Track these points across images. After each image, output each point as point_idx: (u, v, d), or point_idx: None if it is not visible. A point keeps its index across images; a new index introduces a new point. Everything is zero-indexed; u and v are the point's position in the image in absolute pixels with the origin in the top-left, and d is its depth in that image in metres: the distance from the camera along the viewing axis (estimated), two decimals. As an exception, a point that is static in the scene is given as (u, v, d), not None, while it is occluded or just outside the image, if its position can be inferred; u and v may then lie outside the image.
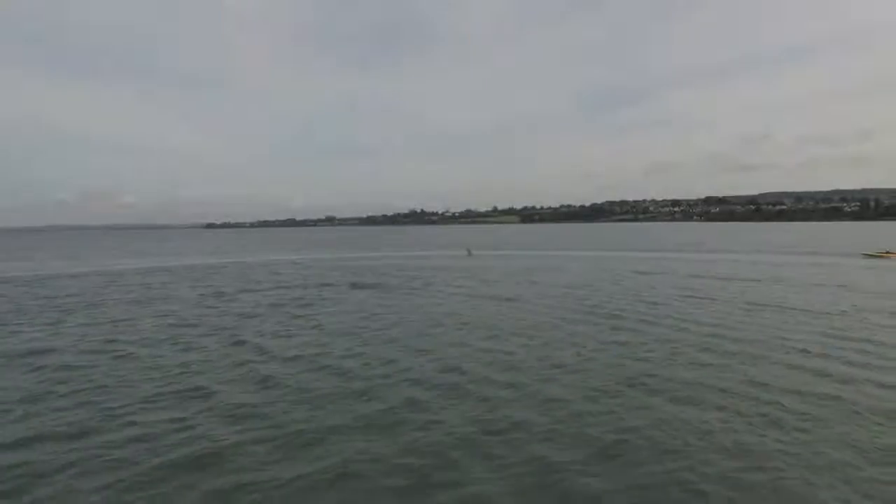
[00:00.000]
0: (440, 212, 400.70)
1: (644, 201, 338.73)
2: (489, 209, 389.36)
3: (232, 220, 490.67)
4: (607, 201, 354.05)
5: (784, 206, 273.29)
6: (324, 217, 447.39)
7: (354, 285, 25.47)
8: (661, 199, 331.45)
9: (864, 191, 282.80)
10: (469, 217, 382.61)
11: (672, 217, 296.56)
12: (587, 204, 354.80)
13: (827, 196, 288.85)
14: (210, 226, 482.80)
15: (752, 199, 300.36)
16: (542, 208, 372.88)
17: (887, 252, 41.51)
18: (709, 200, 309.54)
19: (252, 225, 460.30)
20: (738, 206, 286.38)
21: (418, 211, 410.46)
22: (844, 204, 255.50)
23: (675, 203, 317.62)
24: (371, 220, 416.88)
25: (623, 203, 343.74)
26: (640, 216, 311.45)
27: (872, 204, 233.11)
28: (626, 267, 33.77)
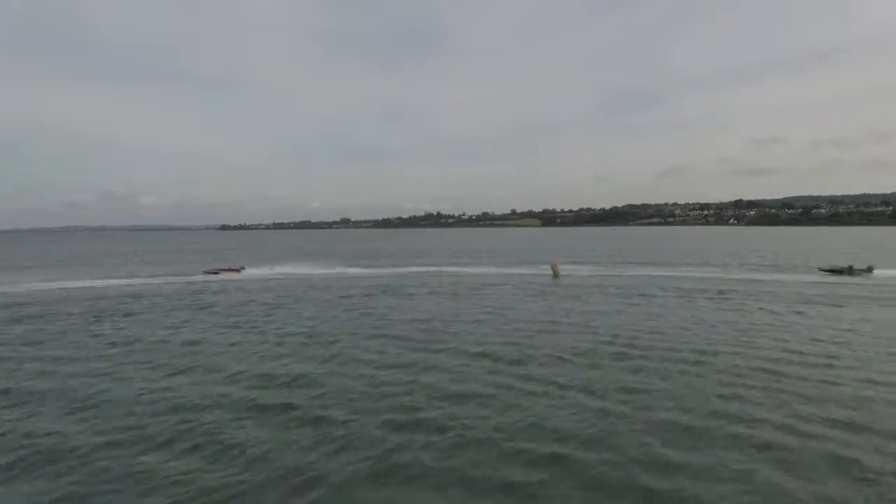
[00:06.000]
0: (457, 214, 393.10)
1: (668, 205, 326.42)
2: (506, 212, 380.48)
3: (247, 222, 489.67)
4: (628, 204, 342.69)
5: (822, 210, 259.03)
6: (339, 219, 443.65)
7: None
8: (682, 202, 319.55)
9: (894, 194, 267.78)
10: (487, 220, 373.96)
11: (705, 221, 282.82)
12: (607, 207, 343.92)
13: (858, 200, 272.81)
14: (224, 227, 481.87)
15: (785, 203, 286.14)
16: (562, 211, 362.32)
17: None
18: (739, 203, 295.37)
19: (267, 227, 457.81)
20: (773, 210, 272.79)
21: (434, 214, 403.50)
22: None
23: (704, 206, 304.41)
24: (386, 223, 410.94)
25: (646, 206, 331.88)
26: (669, 220, 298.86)
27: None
28: None
